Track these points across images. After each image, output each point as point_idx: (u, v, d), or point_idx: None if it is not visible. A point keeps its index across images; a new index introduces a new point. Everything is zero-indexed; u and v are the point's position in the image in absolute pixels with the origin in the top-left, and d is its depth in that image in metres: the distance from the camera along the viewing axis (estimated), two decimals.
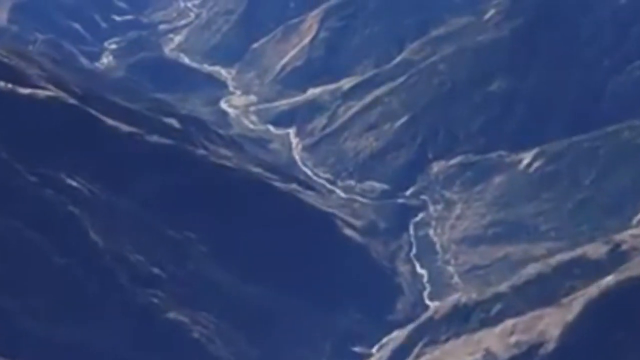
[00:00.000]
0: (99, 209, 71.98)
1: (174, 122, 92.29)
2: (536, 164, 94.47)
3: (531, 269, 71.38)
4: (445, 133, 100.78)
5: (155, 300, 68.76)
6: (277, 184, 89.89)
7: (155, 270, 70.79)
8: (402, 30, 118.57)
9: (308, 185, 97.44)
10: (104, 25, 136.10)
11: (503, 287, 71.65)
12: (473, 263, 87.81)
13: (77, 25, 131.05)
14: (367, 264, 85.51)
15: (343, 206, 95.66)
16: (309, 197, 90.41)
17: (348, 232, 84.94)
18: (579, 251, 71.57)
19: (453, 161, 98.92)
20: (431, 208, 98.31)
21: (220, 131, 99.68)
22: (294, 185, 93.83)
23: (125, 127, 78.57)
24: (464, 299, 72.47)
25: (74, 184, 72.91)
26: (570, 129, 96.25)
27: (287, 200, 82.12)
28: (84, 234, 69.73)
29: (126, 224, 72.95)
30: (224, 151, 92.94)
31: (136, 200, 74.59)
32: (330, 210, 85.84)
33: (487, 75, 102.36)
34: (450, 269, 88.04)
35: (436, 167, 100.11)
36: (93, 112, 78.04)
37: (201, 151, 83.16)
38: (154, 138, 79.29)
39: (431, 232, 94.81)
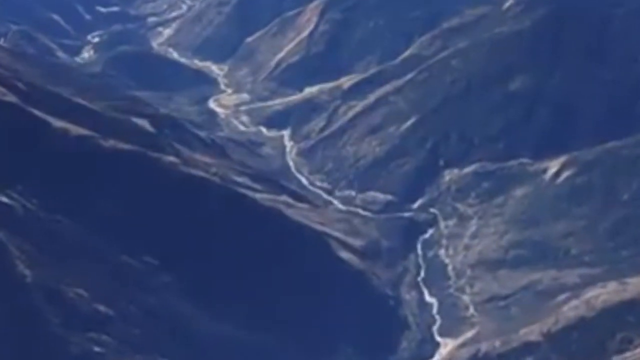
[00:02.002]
0: (34, 232, 54.46)
1: (144, 123, 76.28)
2: (565, 174, 76.20)
3: (570, 311, 54.28)
4: (458, 137, 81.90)
5: (98, 349, 51.26)
6: (263, 196, 73.38)
7: (101, 308, 52.89)
8: (410, 23, 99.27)
9: (301, 196, 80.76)
10: (87, 17, 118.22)
11: (534, 334, 54.39)
12: (492, 292, 69.57)
13: (57, 17, 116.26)
14: (366, 292, 67.18)
15: (340, 221, 78.62)
16: (300, 212, 73.80)
17: (344, 255, 67.56)
18: (631, 289, 54.95)
19: (467, 169, 79.97)
20: (442, 224, 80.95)
21: (202, 134, 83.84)
22: (283, 197, 77.75)
23: (75, 130, 61.75)
24: (484, 348, 55.07)
25: (4, 199, 55.58)
26: (603, 133, 77.48)
27: (272, 218, 64.21)
28: (9, 264, 51.93)
29: (68, 250, 55.16)
30: (202, 157, 76.33)
31: (83, 220, 56.77)
32: (323, 229, 67.95)
33: (506, 72, 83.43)
34: (465, 298, 69.74)
35: (448, 176, 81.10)
36: (36, 112, 60.59)
37: (170, 158, 65.24)
38: (111, 143, 62.27)
39: (442, 252, 77.23)
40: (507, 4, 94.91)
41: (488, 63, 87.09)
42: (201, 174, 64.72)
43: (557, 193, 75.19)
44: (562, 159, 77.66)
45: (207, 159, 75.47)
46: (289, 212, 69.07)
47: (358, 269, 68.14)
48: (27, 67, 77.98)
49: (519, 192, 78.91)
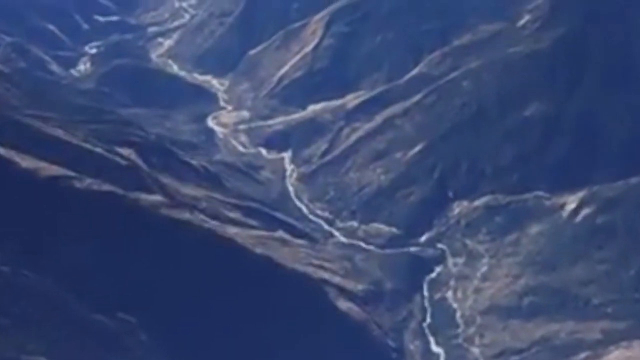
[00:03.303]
0: None
1: (130, 153, 69.81)
2: (584, 212, 67.78)
3: None
4: (468, 167, 74.07)
5: None
6: (258, 233, 66.94)
7: None
8: (420, 37, 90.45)
9: (298, 231, 73.86)
10: (85, 26, 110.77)
11: None
12: (504, 344, 60.91)
13: (52, 27, 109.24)
14: (367, 345, 58.84)
15: (341, 259, 72.00)
16: (296, 253, 66.16)
17: (343, 305, 58.83)
18: None
19: (478, 202, 72.32)
20: (450, 261, 72.61)
21: (194, 161, 77.32)
22: (279, 233, 70.80)
23: (46, 169, 54.71)
24: None
25: None
26: (627, 166, 69.27)
27: (264, 267, 56.01)
28: None
29: (31, 308, 48.63)
30: (191, 191, 69.03)
31: (51, 273, 49.38)
32: (321, 274, 60.25)
33: (521, 96, 75.47)
34: (475, 350, 61.31)
35: (457, 208, 73.20)
36: (0, 149, 53.03)
37: (152, 199, 57.66)
38: (86, 183, 54.88)
39: (450, 295, 68.75)
40: (522, 21, 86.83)
41: (501, 86, 78.62)
42: (186, 216, 57.26)
43: (575, 233, 67.02)
44: (581, 193, 69.40)
45: (197, 192, 68.38)
46: (284, 255, 61.96)
47: (358, 319, 60.47)
48: (6, 90, 71.60)
49: (534, 229, 70.96)
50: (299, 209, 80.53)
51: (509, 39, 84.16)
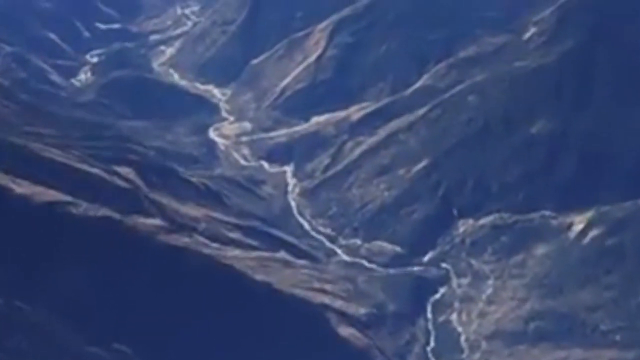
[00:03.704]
0: None
1: (129, 172, 68.04)
2: (592, 233, 65.39)
3: None
4: (474, 184, 71.96)
5: None
6: (259, 254, 64.87)
7: None
8: (425, 47, 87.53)
9: (300, 251, 72.01)
10: (86, 34, 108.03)
11: None
12: None
13: (53, 36, 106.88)
14: None
15: (343, 280, 69.50)
16: (297, 275, 64.10)
17: (345, 331, 56.45)
18: None
19: (483, 221, 70.01)
20: (455, 282, 70.27)
21: (194, 179, 74.86)
22: (281, 254, 68.54)
23: (40, 194, 52.78)
24: None
25: None
26: (637, 186, 67.11)
27: (264, 293, 54.05)
28: None
29: (25, 341, 46.48)
30: (191, 210, 67.15)
31: (45, 304, 47.38)
32: (323, 299, 57.92)
33: (527, 113, 73.33)
34: None
35: (462, 227, 70.88)
36: None
37: (150, 222, 55.87)
38: (82, 209, 53.19)
39: (454, 317, 66.12)
40: (528, 34, 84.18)
41: (508, 101, 76.29)
42: (185, 241, 55.37)
43: (583, 255, 64.87)
44: (589, 214, 67.29)
45: (196, 212, 66.55)
46: (284, 278, 60.17)
47: (360, 346, 58.27)
48: (4, 106, 69.53)
49: (540, 250, 68.60)
50: (301, 226, 78.17)
51: (514, 53, 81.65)
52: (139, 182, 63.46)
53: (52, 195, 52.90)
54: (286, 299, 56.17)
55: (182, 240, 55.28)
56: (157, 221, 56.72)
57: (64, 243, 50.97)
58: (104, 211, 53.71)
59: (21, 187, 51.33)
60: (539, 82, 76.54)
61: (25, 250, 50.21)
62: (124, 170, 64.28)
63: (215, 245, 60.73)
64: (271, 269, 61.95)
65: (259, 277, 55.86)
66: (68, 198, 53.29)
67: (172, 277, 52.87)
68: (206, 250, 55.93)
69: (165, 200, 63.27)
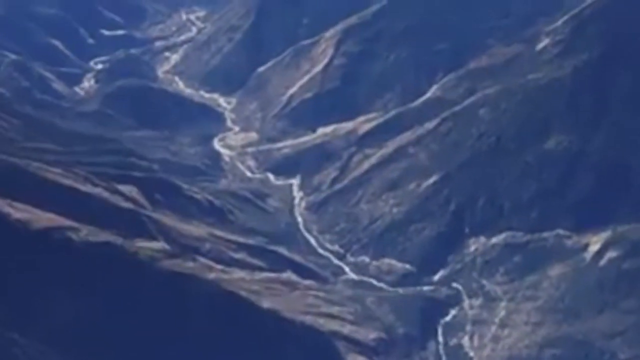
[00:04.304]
0: None
1: (132, 190, 65.19)
2: (609, 255, 61.93)
3: None
4: (486, 201, 68.83)
5: None
6: (266, 275, 61.90)
7: None
8: (434, 57, 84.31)
9: (307, 271, 68.78)
10: (90, 41, 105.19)
11: None
12: None
13: (56, 42, 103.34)
14: None
15: (351, 301, 66.44)
16: (304, 298, 60.93)
17: (354, 359, 57.41)
18: None
19: (496, 239, 66.84)
20: (466, 302, 66.20)
21: (198, 195, 70.81)
22: (287, 274, 65.98)
23: (39, 219, 49.34)
24: None
25: None
26: None
27: (270, 322, 50.88)
28: None
29: None
30: (195, 229, 64.07)
31: (41, 335, 44.45)
32: (330, 325, 54.63)
33: (541, 127, 70.19)
34: None
35: (474, 245, 67.79)
36: None
37: (156, 245, 53.06)
38: (83, 234, 49.45)
39: (466, 341, 62.42)
40: (541, 44, 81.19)
41: (521, 115, 72.94)
42: (189, 265, 52.39)
43: (600, 278, 61.56)
44: (605, 234, 63.95)
45: (201, 232, 63.58)
46: (292, 303, 57.10)
47: None
48: (4, 120, 66.92)
49: (555, 271, 65.33)
50: (308, 241, 75.17)
51: (527, 64, 78.32)
52: (142, 201, 60.85)
53: (51, 220, 50.06)
54: (294, 327, 52.98)
55: (185, 265, 52.53)
56: (159, 244, 53.88)
57: (62, 271, 48.08)
58: (104, 236, 50.74)
59: (19, 212, 48.45)
60: (554, 95, 73.12)
61: (22, 279, 47.53)
62: (127, 188, 61.52)
63: (219, 267, 58.11)
64: (277, 292, 58.98)
65: (265, 304, 52.82)
66: (67, 223, 50.42)
67: (175, 306, 49.76)
68: (210, 276, 53.16)
69: (168, 219, 60.40)
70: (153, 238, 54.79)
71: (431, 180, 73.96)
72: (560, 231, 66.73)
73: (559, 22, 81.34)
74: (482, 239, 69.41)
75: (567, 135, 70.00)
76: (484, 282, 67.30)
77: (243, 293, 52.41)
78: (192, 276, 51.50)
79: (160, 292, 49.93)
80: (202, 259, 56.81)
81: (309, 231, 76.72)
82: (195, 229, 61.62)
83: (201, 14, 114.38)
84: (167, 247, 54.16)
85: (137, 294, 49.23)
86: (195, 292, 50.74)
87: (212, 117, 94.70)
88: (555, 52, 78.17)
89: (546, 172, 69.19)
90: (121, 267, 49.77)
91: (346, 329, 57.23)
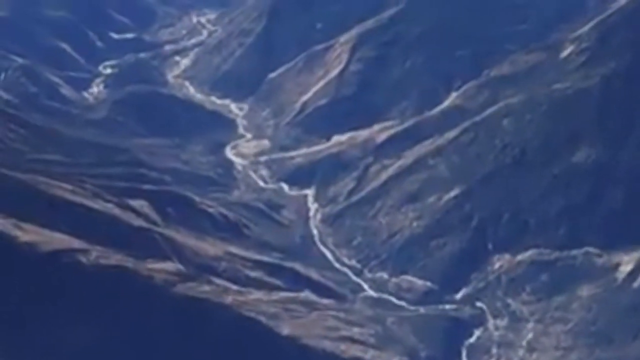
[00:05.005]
0: None
1: (143, 205, 61.80)
2: None
3: None
4: (511, 216, 65.02)
5: None
6: (283, 295, 58.77)
7: None
8: (453, 63, 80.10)
9: (325, 289, 65.70)
10: (99, 44, 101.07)
11: None
12: None
13: (65, 46, 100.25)
14: None
15: (371, 322, 62.99)
16: (324, 320, 57.53)
17: None
18: None
19: (521, 257, 63.09)
20: (491, 323, 62.85)
21: (211, 209, 67.43)
22: (305, 294, 63.13)
23: (47, 242, 45.70)
24: None
25: None
26: None
27: (289, 348, 47.66)
28: None
29: None
30: (210, 246, 60.86)
31: None
32: (352, 352, 50.51)
33: (568, 140, 66.41)
34: None
35: (498, 262, 64.02)
36: None
37: (169, 266, 50.79)
38: (92, 257, 46.77)
39: None
40: (566, 52, 77.45)
41: (547, 127, 68.98)
42: (204, 288, 49.16)
43: (633, 301, 57.74)
44: (637, 253, 60.14)
45: (215, 250, 60.19)
46: (311, 326, 53.68)
47: None
48: (10, 131, 63.92)
49: (585, 291, 61.68)
50: (324, 255, 71.67)
51: (551, 73, 74.31)
52: (154, 216, 57.35)
53: (60, 241, 46.49)
54: (315, 355, 50.39)
55: (200, 289, 49.18)
56: (173, 265, 50.66)
57: (72, 296, 45.01)
58: (116, 258, 47.82)
59: (26, 234, 44.89)
60: (581, 106, 69.17)
61: (31, 305, 44.54)
62: (138, 203, 58.19)
63: (235, 288, 55.06)
64: (296, 313, 55.62)
65: (285, 330, 49.70)
66: (77, 244, 47.24)
67: (190, 332, 46.62)
68: (227, 299, 49.99)
69: (182, 237, 56.75)
70: (166, 258, 51.66)
71: (452, 193, 70.08)
72: (590, 249, 62.70)
73: (585, 29, 78.26)
74: (507, 256, 65.33)
75: (596, 147, 66.00)
76: (510, 301, 63.35)
77: (262, 318, 49.33)
78: (208, 301, 48.42)
79: (174, 318, 46.41)
80: (218, 280, 53.56)
81: (324, 245, 72.67)
82: (210, 247, 58.10)
83: (212, 16, 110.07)
84: (181, 268, 51.06)
85: (150, 320, 45.88)
86: (211, 318, 47.30)
87: (224, 124, 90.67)
88: (581, 60, 73.96)
89: (574, 186, 65.38)
90: (133, 291, 46.48)
91: (368, 355, 53.78)
